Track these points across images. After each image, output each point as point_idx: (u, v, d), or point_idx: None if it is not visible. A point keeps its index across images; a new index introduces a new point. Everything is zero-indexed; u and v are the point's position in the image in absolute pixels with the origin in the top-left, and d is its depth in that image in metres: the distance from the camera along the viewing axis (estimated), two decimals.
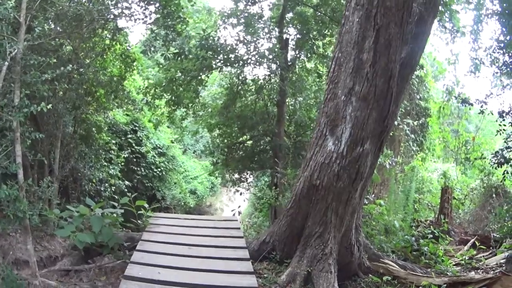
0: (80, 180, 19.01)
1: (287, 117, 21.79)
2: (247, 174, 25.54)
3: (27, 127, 8.95)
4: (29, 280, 8.33)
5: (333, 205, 9.81)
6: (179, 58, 17.77)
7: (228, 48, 19.35)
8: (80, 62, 15.70)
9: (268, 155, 22.37)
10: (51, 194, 11.11)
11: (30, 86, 8.39)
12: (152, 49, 17.23)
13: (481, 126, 25.66)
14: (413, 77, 25.64)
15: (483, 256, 12.87)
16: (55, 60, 9.85)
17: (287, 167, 18.27)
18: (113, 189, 21.99)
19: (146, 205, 12.50)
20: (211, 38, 19.02)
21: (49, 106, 8.28)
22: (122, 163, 24.12)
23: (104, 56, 17.89)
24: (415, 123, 24.33)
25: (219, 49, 19.15)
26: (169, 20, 16.56)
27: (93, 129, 19.36)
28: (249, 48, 19.61)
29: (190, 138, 36.93)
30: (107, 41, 17.44)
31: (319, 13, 20.35)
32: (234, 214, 18.34)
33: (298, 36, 20.86)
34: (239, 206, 19.19)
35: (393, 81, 9.48)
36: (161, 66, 20.43)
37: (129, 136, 26.22)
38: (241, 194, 25.01)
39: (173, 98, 20.86)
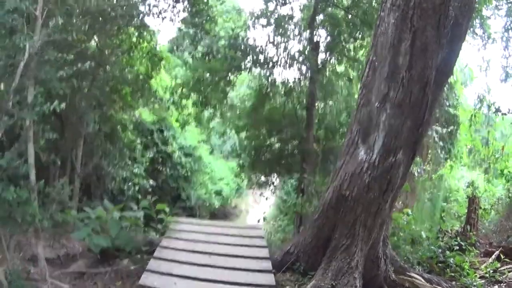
0: (104, 179, 18.86)
1: (316, 122, 21.06)
2: (273, 177, 24.81)
3: (43, 126, 8.64)
4: (39, 284, 7.97)
5: (362, 217, 9.31)
6: (207, 58, 17.32)
7: (257, 49, 18.78)
8: (105, 59, 15.52)
9: (296, 159, 21.65)
10: (70, 194, 11.46)
11: (45, 83, 7.95)
12: (180, 48, 16.75)
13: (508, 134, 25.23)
14: None
15: (507, 268, 12.48)
16: (72, 57, 9.42)
17: (315, 173, 17.75)
18: (137, 188, 21.73)
19: (167, 209, 12.07)
20: (241, 38, 18.61)
21: (69, 103, 7.88)
22: (147, 163, 24.02)
23: (131, 54, 17.55)
24: (444, 130, 23.47)
25: (248, 49, 18.60)
26: (197, 18, 16.13)
27: (118, 127, 19.16)
28: (279, 50, 19.00)
29: (218, 139, 36.38)
30: (134, 39, 17.10)
31: (350, 15, 19.80)
32: (258, 221, 17.69)
33: (328, 38, 20.17)
34: (264, 213, 18.41)
35: (428, 87, 8.92)
36: (189, 65, 20.02)
37: (155, 135, 25.82)
38: (266, 198, 24.76)
39: (201, 98, 20.44)
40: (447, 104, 25.00)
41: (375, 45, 9.27)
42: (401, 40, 8.77)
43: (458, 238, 15.15)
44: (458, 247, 13.86)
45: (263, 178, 24.68)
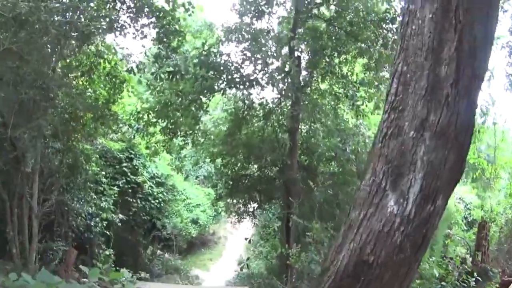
0: (67, 215, 17.17)
1: (299, 145, 18.28)
2: (252, 204, 22.48)
3: None
4: None
5: (388, 284, 6.43)
6: (174, 79, 14.27)
7: (232, 67, 15.96)
8: (60, 83, 12.86)
9: (277, 184, 19.38)
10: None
11: None
12: (141, 67, 13.82)
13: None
14: None
15: None
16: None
17: (302, 206, 15.04)
18: (105, 224, 19.41)
19: (126, 274, 9.17)
20: (213, 54, 15.68)
21: None
22: (116, 195, 21.24)
23: (90, 76, 14.95)
24: None
25: (221, 68, 15.81)
26: (162, 33, 13.33)
27: (81, 158, 16.94)
28: (256, 67, 16.17)
29: (192, 164, 33.36)
30: (92, 59, 14.34)
31: (334, 28, 17.24)
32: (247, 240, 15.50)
33: (310, 53, 17.41)
34: (247, 239, 15.43)
35: (475, 105, 6.11)
36: (153, 87, 16.86)
37: (124, 164, 23.20)
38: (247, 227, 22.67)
39: (169, 125, 17.42)
40: None
41: (405, 49, 6.35)
42: (443, 42, 5.88)
43: (467, 266, 14.08)
44: (474, 283, 12.30)
45: (241, 206, 22.59)
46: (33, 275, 11.10)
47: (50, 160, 15.25)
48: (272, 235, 24.97)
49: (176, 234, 31.58)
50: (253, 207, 22.49)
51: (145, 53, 13.82)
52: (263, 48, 16.22)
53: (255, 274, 26.27)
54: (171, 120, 17.41)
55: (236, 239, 36.48)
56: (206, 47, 15.38)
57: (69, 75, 14.43)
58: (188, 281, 27.28)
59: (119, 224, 20.71)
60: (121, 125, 18.45)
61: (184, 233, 31.98)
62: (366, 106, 18.23)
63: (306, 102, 17.97)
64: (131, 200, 23.24)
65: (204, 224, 34.82)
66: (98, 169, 18.56)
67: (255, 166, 20.79)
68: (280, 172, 18.63)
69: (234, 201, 22.23)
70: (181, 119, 17.69)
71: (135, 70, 13.76)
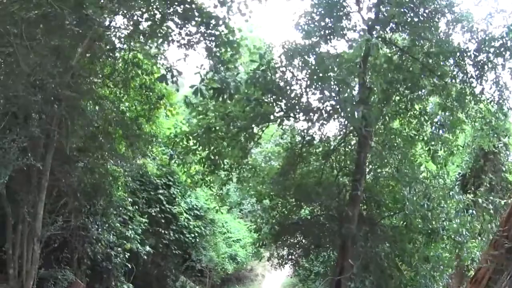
0: (83, 241, 14.76)
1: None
2: (297, 250, 18.99)
3: None
4: None
5: None
6: (220, 98, 10.67)
7: (294, 93, 12.54)
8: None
9: (329, 233, 16.26)
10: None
11: None
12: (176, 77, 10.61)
13: None
14: (500, 144, 19.98)
15: None
16: None
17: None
18: (127, 255, 16.78)
19: None
20: (270, 70, 12.11)
21: None
22: (146, 224, 18.63)
23: (123, 90, 12.89)
24: (502, 202, 17.30)
25: (281, 91, 12.32)
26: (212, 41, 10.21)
27: (105, 180, 14.47)
28: (322, 95, 12.61)
29: (236, 195, 30.11)
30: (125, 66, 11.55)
31: (408, 59, 13.72)
32: None
33: (382, 86, 13.75)
34: None
35: None
36: (194, 106, 13.21)
37: (160, 191, 20.49)
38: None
39: (211, 155, 13.98)
40: (504, 169, 20.56)
41: None
42: None
43: None
44: None
45: (285, 254, 19.19)
46: None
47: (64, 177, 12.70)
48: (312, 279, 22.27)
49: (211, 268, 28.68)
50: (298, 255, 19.05)
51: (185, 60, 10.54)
52: (330, 74, 12.66)
53: None
54: (214, 150, 14.02)
55: (274, 278, 33.19)
56: (264, 61, 11.80)
57: (95, 81, 11.68)
58: None
59: (145, 257, 18.07)
60: (153, 149, 16.14)
61: (219, 269, 29.12)
62: (445, 152, 14.78)
63: (374, 143, 14.43)
64: (163, 231, 20.27)
65: (242, 261, 31.87)
66: (125, 194, 15.49)
67: (307, 211, 17.67)
68: (335, 221, 15.29)
69: (279, 247, 18.93)
70: (226, 150, 14.30)
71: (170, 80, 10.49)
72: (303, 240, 18.02)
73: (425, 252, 13.30)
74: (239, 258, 31.11)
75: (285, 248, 18.92)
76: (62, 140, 11.50)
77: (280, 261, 19.07)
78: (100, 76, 12.67)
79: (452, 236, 12.84)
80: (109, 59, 12.32)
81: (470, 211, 13.33)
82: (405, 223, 13.56)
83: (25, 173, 11.37)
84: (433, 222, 12.58)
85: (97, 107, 12.79)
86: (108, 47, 11.42)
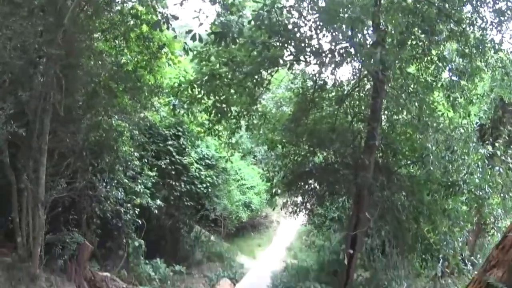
0: (91, 200, 14.13)
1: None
2: (312, 199, 18.34)
3: None
4: None
5: None
6: (222, 43, 9.76)
7: (304, 35, 11.57)
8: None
9: (344, 181, 15.43)
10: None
11: None
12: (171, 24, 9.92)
13: None
14: None
15: None
16: None
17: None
18: (137, 211, 16.17)
19: None
20: (275, 11, 10.93)
21: None
22: (155, 177, 18.02)
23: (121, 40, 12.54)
24: None
25: (289, 33, 11.29)
26: None
27: (110, 136, 13.76)
28: (333, 37, 11.56)
29: (249, 142, 29.45)
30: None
31: (423, 2, 12.41)
32: None
33: (396, 30, 12.67)
34: None
35: None
36: (195, 53, 12.31)
37: (170, 142, 19.77)
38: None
39: (217, 103, 13.18)
40: None
41: None
42: None
43: None
44: None
45: (299, 200, 18.61)
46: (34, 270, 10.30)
47: (68, 138, 12.05)
48: (327, 225, 21.91)
49: (225, 217, 28.54)
50: (313, 203, 18.54)
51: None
52: (342, 16, 11.63)
53: (304, 268, 23.08)
54: (220, 97, 13.21)
55: (289, 225, 32.72)
56: (268, 1, 10.68)
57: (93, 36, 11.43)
58: (231, 271, 23.61)
59: (156, 211, 17.53)
60: (160, 99, 15.76)
61: (234, 217, 28.90)
62: (465, 100, 13.95)
63: (390, 88, 13.67)
64: (174, 183, 19.71)
65: (257, 208, 31.61)
66: (132, 149, 14.98)
67: (320, 158, 16.90)
68: (349, 169, 14.60)
69: (292, 195, 18.37)
70: (234, 97, 13.53)
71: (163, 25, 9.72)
72: (317, 187, 17.43)
73: (444, 205, 12.64)
74: (254, 205, 30.85)
75: (299, 195, 18.36)
76: (62, 100, 10.79)
77: (294, 209, 18.58)
78: (99, 30, 11.99)
79: (473, 190, 12.15)
80: (106, 12, 11.71)
81: (495, 168, 12.62)
82: (423, 174, 12.90)
83: (25, 138, 10.76)
84: (454, 175, 11.91)
85: (99, 63, 12.15)
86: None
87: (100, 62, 12.15)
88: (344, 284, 12.97)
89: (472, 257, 14.32)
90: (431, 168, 12.04)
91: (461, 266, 13.82)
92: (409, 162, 13.88)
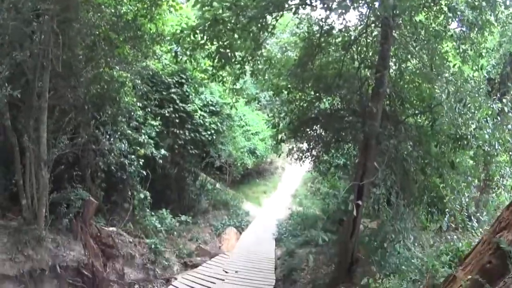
0: (94, 155, 14.09)
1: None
2: (318, 147, 18.14)
3: None
4: None
5: None
6: None
7: None
8: None
9: (350, 128, 15.40)
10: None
11: None
12: None
13: None
14: None
15: None
16: None
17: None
18: (141, 162, 16.11)
19: None
20: None
21: None
22: (159, 126, 18.02)
23: None
24: None
25: None
26: None
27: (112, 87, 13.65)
28: None
29: (254, 87, 29.08)
30: None
31: None
32: None
33: None
34: None
35: None
36: None
37: (173, 90, 19.43)
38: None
39: (221, 49, 12.79)
40: None
41: None
42: None
43: None
44: None
45: (305, 146, 18.52)
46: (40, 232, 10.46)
47: (69, 93, 11.99)
48: (332, 172, 21.56)
49: (230, 164, 28.42)
50: (319, 150, 18.22)
51: None
52: None
53: (309, 216, 23.43)
54: (224, 43, 12.82)
55: (294, 171, 32.94)
56: None
57: None
58: (237, 220, 23.79)
59: (160, 161, 17.43)
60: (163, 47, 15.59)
61: (239, 163, 28.83)
62: (474, 52, 13.60)
63: (398, 36, 13.26)
64: (178, 131, 19.56)
65: (262, 155, 31.48)
66: (134, 99, 14.64)
67: (327, 104, 16.75)
68: (356, 116, 14.46)
69: (299, 144, 18.44)
70: (237, 42, 13.13)
71: None
72: (323, 134, 17.25)
73: (452, 158, 12.41)
74: (259, 151, 30.82)
75: (305, 142, 18.31)
76: (61, 56, 10.54)
77: (300, 155, 18.42)
78: None
79: (482, 146, 11.90)
80: None
81: (508, 126, 12.33)
82: (431, 124, 12.63)
83: (25, 99, 10.74)
84: (463, 128, 11.62)
85: (98, 15, 11.92)
86: None
87: (99, 14, 11.87)
88: (350, 234, 13.01)
89: (478, 214, 14.26)
90: (441, 118, 11.84)
91: (467, 221, 13.79)
92: (416, 111, 13.56)
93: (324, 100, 16.41)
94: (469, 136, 11.45)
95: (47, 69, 10.28)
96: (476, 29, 12.69)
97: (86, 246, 11.91)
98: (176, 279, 14.76)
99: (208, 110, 21.30)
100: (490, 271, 6.27)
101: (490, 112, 12.19)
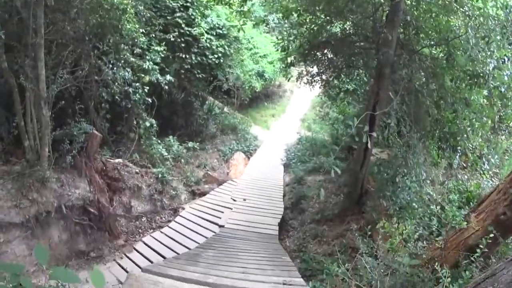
0: (97, 85, 13.78)
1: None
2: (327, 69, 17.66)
3: None
4: None
5: None
6: None
7: None
8: None
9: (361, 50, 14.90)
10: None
11: None
12: None
13: None
14: None
15: None
16: None
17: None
18: (146, 89, 15.77)
19: None
20: None
21: None
22: (165, 51, 17.49)
23: None
24: None
25: None
26: None
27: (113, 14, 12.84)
28: None
29: (262, 9, 28.28)
30: None
31: None
32: None
33: None
34: None
35: None
36: None
37: (178, 14, 18.88)
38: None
39: None
40: None
41: None
42: None
43: None
44: None
45: (315, 70, 18.00)
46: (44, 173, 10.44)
47: (68, 25, 11.38)
48: (341, 97, 21.16)
49: (238, 87, 28.03)
50: (329, 75, 17.80)
51: None
52: None
53: (318, 141, 23.28)
54: None
55: (303, 94, 32.61)
56: None
57: None
58: (245, 144, 23.77)
59: (166, 87, 17.06)
60: None
61: (247, 87, 28.46)
62: None
63: None
64: (184, 55, 19.07)
65: (270, 77, 30.94)
66: (137, 25, 14.15)
67: (338, 28, 16.16)
68: (369, 42, 14.09)
69: (309, 68, 17.78)
70: None
71: None
72: (334, 58, 16.76)
73: (466, 94, 12.01)
74: (267, 74, 30.43)
75: (315, 66, 17.80)
76: None
77: (309, 79, 18.04)
78: None
79: (498, 87, 11.42)
80: None
81: None
82: (446, 57, 12.13)
83: (21, 37, 10.36)
84: (481, 66, 11.07)
85: None
86: None
87: None
88: (361, 164, 12.92)
89: (490, 156, 13.99)
90: (458, 53, 11.39)
91: (478, 161, 13.60)
92: (432, 42, 13.00)
93: (336, 24, 15.86)
94: (486, 75, 11.02)
95: (41, 4, 9.77)
96: None
97: (91, 182, 11.87)
98: (183, 209, 14.87)
99: (215, 33, 20.73)
100: (503, 223, 6.17)
101: (510, 54, 11.70)
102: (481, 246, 5.67)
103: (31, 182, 10.22)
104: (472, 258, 5.93)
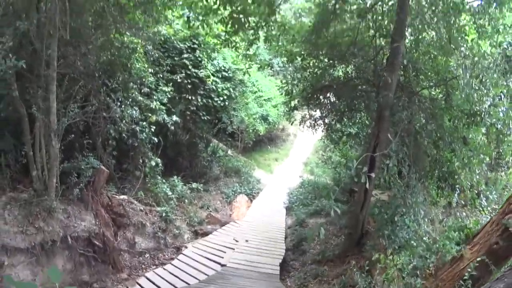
0: (105, 122, 13.98)
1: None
2: (331, 115, 18.02)
3: None
4: None
5: None
6: None
7: None
8: None
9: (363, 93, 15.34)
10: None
11: None
12: None
13: None
14: None
15: None
16: None
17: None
18: (153, 129, 16.09)
19: None
20: None
21: None
22: (171, 91, 18.02)
23: None
24: None
25: None
26: None
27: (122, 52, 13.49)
28: None
29: (267, 53, 28.91)
30: None
31: None
32: None
33: None
34: None
35: None
36: None
37: (185, 56, 19.39)
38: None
39: (234, 14, 12.77)
40: None
41: None
42: None
43: None
44: None
45: (318, 114, 18.36)
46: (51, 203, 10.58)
47: (79, 60, 11.86)
48: (344, 141, 21.34)
49: (242, 130, 28.43)
50: (332, 119, 18.11)
51: None
52: None
53: (320, 185, 23.56)
54: (237, 8, 12.77)
55: (306, 138, 33.06)
56: None
57: None
58: (248, 187, 24.03)
59: (172, 127, 17.48)
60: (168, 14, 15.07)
61: (251, 130, 28.90)
62: (492, 28, 13.20)
63: (414, 4, 13.07)
64: (190, 97, 19.61)
65: (274, 121, 31.39)
66: (146, 65, 14.65)
67: (340, 72, 16.56)
68: (370, 86, 14.51)
69: (312, 112, 18.16)
70: (251, 7, 13.07)
71: None
72: (336, 102, 17.13)
73: (464, 133, 12.37)
74: (271, 118, 30.88)
75: (318, 110, 18.13)
76: (67, 23, 10.42)
77: (312, 123, 18.30)
78: None
79: (495, 124, 11.81)
80: None
81: None
82: (445, 98, 12.55)
83: (33, 68, 10.70)
84: (477, 104, 11.54)
85: None
86: None
87: None
88: (361, 206, 13.12)
89: (488, 192, 14.25)
90: (456, 93, 11.78)
91: (476, 199, 13.83)
92: (431, 84, 13.43)
93: (338, 68, 16.29)
94: (483, 113, 11.39)
95: (55, 37, 10.14)
96: (495, 4, 12.48)
97: (97, 216, 12.06)
98: (186, 247, 14.98)
99: (220, 76, 21.29)
100: (496, 252, 6.38)
101: (505, 90, 12.10)
102: (473, 274, 5.87)
103: (38, 211, 10.41)
104: None
